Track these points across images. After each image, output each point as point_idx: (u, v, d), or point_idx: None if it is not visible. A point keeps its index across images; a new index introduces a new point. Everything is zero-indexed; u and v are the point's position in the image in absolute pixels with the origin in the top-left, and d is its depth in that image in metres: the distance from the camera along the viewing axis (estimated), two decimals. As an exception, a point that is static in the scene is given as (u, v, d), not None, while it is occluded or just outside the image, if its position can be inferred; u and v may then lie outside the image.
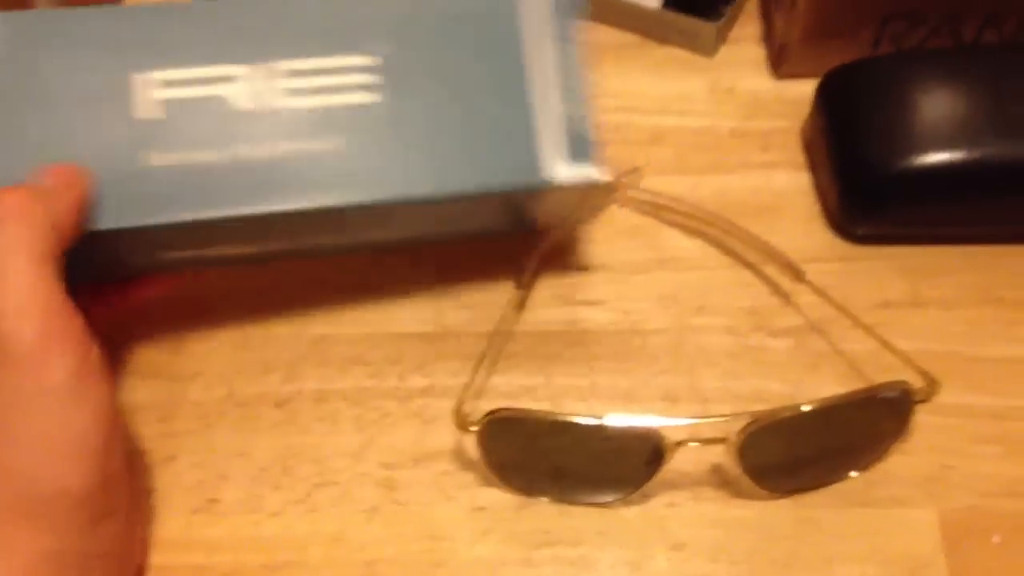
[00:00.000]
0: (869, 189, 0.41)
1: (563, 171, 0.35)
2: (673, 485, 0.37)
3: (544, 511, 0.37)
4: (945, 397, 0.38)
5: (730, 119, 0.47)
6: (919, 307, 0.41)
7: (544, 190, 0.35)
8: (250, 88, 0.34)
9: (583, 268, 0.43)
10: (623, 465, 0.36)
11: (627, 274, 0.42)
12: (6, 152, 0.33)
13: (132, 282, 0.38)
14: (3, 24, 0.33)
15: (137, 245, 0.35)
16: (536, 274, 0.42)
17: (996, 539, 0.36)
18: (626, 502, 0.37)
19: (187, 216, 0.33)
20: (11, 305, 0.29)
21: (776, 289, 0.42)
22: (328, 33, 0.35)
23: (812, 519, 0.37)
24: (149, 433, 0.39)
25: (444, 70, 0.35)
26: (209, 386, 0.40)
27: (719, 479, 0.37)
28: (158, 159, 0.33)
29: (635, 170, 0.43)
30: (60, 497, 0.30)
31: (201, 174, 0.33)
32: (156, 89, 0.33)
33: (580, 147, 0.35)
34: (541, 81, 0.35)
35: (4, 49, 0.33)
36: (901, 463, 0.37)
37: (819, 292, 0.39)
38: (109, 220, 0.33)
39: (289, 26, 0.34)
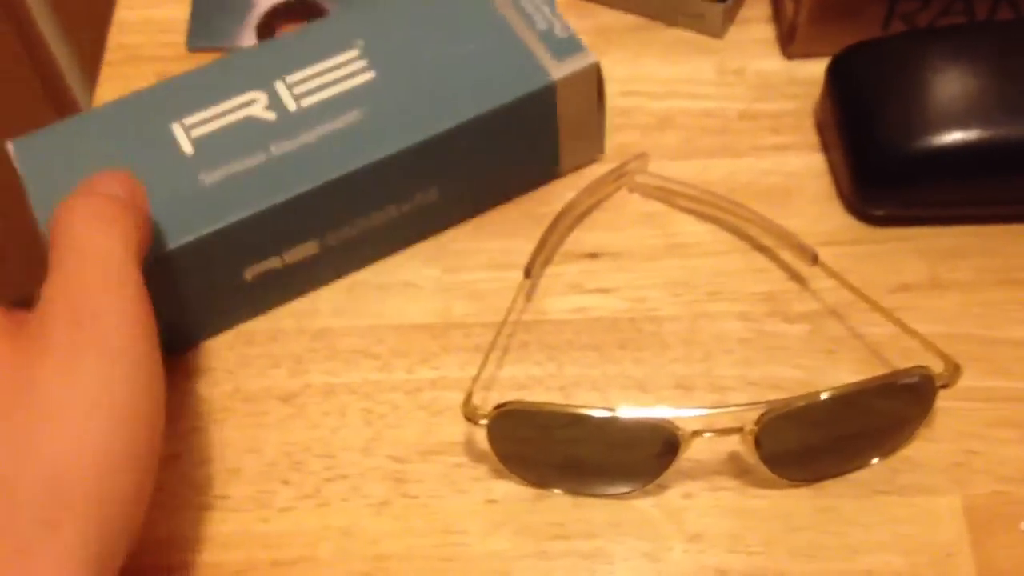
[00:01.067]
0: (884, 170, 0.40)
1: (560, 68, 0.40)
2: (689, 476, 0.36)
3: (558, 503, 0.36)
4: (966, 381, 0.37)
5: (739, 101, 0.46)
6: (938, 290, 0.40)
7: (552, 93, 0.40)
8: (268, 103, 0.39)
9: (593, 256, 0.42)
10: (637, 456, 0.35)
11: (638, 261, 0.41)
12: None
13: None
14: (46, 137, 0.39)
15: (205, 264, 0.37)
16: (545, 263, 0.42)
17: (1023, 525, 0.35)
18: (641, 493, 0.36)
19: (244, 212, 0.37)
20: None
21: (791, 274, 0.41)
22: (315, 45, 0.41)
23: (832, 508, 0.36)
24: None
25: (424, 31, 0.41)
26: (215, 382, 0.39)
27: (736, 468, 0.36)
28: (208, 177, 0.38)
29: (642, 155, 0.42)
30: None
31: (247, 176, 0.38)
32: (193, 129, 0.39)
33: (566, 47, 0.40)
34: (510, 12, 0.41)
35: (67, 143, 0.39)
36: (923, 449, 0.37)
37: (834, 275, 0.39)
38: (176, 238, 0.36)
39: (284, 53, 0.41)
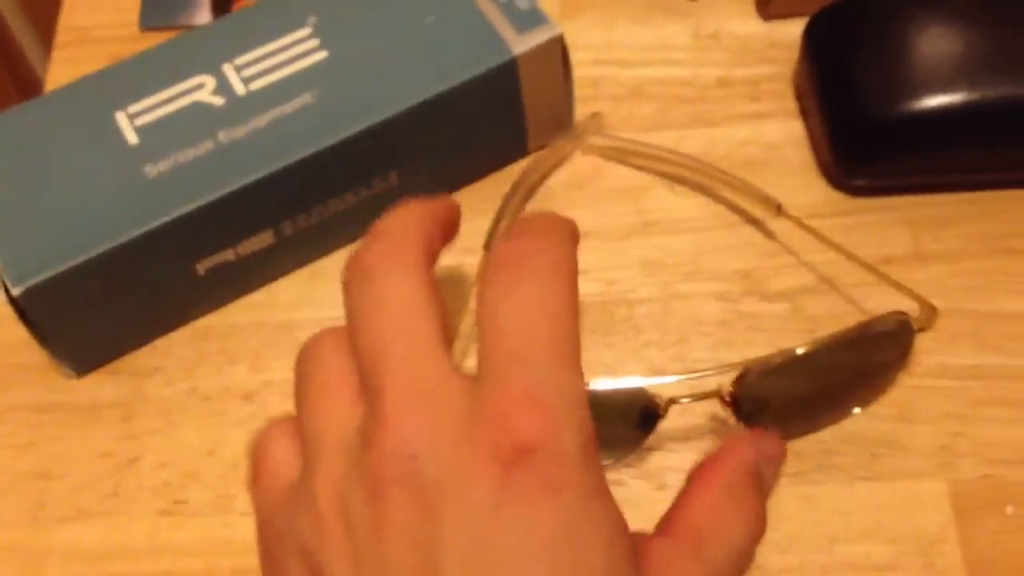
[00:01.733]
0: (864, 137, 0.38)
1: (522, 42, 0.38)
2: (669, 448, 0.35)
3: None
4: (952, 358, 0.36)
5: (716, 67, 0.44)
6: (923, 260, 0.38)
7: (514, 68, 0.38)
8: (217, 87, 0.38)
9: (562, 236, 0.40)
10: (615, 430, 0.34)
11: (609, 240, 0.40)
12: (24, 204, 0.36)
13: None
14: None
15: (154, 260, 0.36)
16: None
17: (1010, 510, 0.34)
18: (623, 464, 0.35)
19: (191, 204, 0.35)
20: None
21: (769, 249, 0.39)
22: (266, 23, 0.39)
23: (812, 496, 0.34)
24: (112, 434, 0.37)
25: (380, 5, 0.39)
26: (171, 381, 0.38)
27: (716, 438, 0.35)
28: (153, 168, 0.36)
29: (595, 115, 0.41)
30: None
31: (195, 166, 0.36)
32: (138, 117, 0.37)
33: (528, 19, 0.38)
34: None
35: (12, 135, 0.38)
36: (907, 432, 0.35)
37: (802, 225, 0.37)
38: (122, 234, 0.35)
39: (233, 32, 0.39)
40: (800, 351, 0.32)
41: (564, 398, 0.21)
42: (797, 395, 0.34)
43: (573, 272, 0.24)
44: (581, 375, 0.22)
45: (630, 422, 0.33)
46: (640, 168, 0.41)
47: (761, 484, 0.26)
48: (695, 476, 0.26)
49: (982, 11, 0.38)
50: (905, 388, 0.36)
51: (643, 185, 0.41)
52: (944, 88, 0.37)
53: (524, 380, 0.21)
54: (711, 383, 0.32)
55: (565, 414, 0.21)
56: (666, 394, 0.32)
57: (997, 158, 0.38)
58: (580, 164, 0.42)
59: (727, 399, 0.32)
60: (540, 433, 0.21)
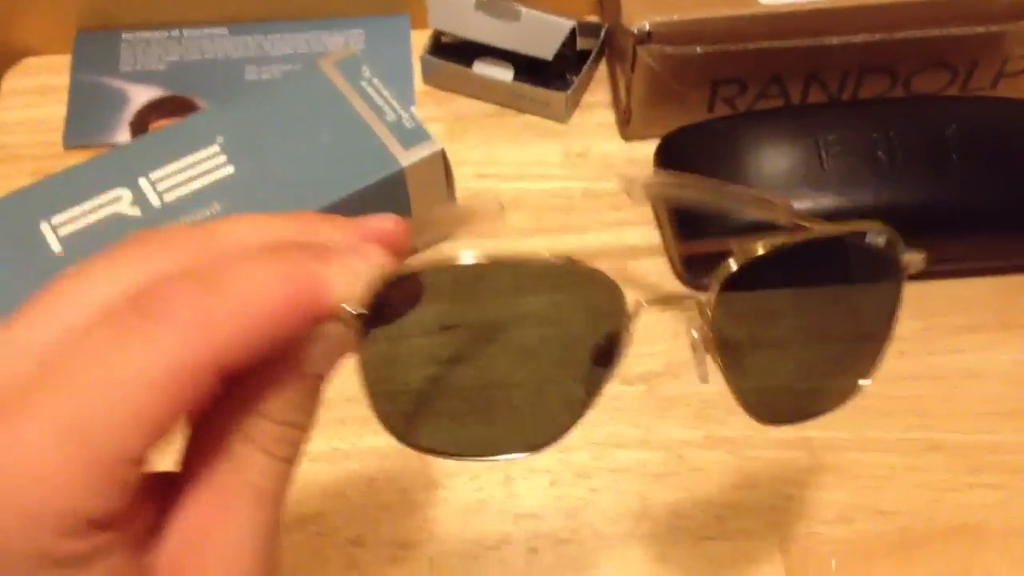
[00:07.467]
0: (705, 243, 0.44)
1: (408, 156, 0.43)
2: (534, 533, 0.39)
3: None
4: (783, 433, 0.41)
5: (583, 181, 0.50)
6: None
7: (401, 178, 0.43)
8: (134, 199, 0.42)
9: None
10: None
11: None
12: None
13: None
14: None
15: None
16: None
17: (834, 564, 0.39)
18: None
19: None
20: None
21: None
22: (178, 142, 0.44)
23: (666, 556, 0.39)
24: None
25: (281, 125, 0.44)
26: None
27: (573, 519, 0.39)
28: None
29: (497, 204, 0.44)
30: None
31: None
32: (61, 227, 0.41)
33: (413, 136, 0.44)
34: (362, 106, 0.45)
35: None
36: (747, 497, 0.40)
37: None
38: None
39: (149, 150, 0.44)
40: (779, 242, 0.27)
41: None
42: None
43: (219, 341, 0.19)
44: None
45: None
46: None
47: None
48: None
49: (809, 134, 0.44)
50: (744, 459, 0.41)
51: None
52: (772, 200, 0.43)
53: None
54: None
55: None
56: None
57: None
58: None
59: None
60: None
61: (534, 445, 0.26)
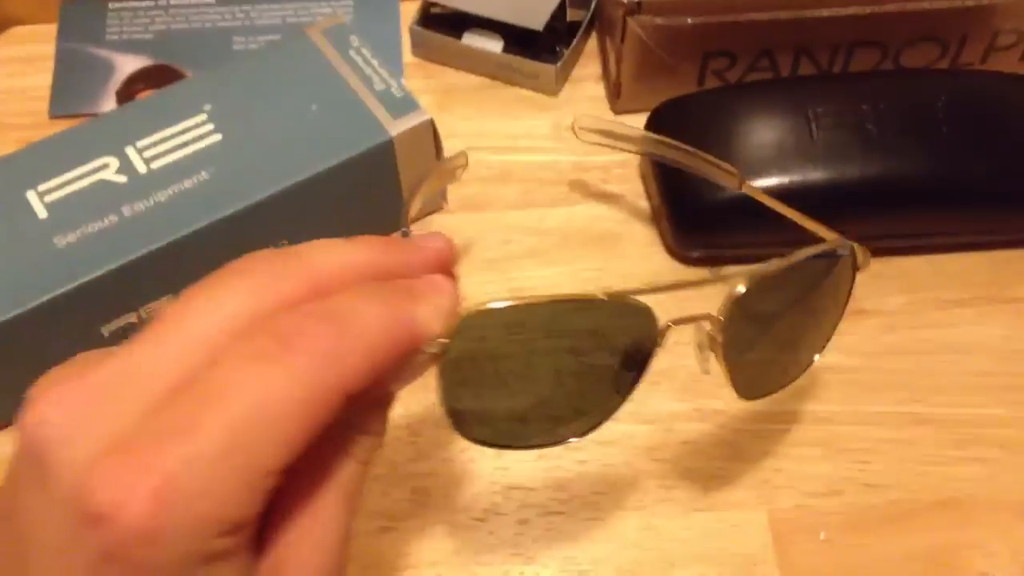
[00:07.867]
0: (696, 217, 0.44)
1: (397, 125, 0.43)
2: (524, 503, 0.39)
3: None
4: (770, 406, 0.41)
5: (572, 154, 0.49)
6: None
7: (390, 148, 0.43)
8: (120, 167, 0.42)
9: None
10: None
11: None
12: None
13: None
14: None
15: (61, 323, 0.39)
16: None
17: (822, 535, 0.39)
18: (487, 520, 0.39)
19: (97, 271, 0.39)
20: None
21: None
22: (165, 110, 0.43)
23: (654, 527, 0.39)
24: None
25: (269, 94, 0.44)
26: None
27: (565, 494, 0.40)
28: (62, 240, 0.40)
29: (462, 153, 0.43)
30: None
31: (100, 237, 0.40)
32: (48, 194, 0.41)
33: (402, 105, 0.43)
34: (350, 74, 0.44)
35: None
36: (734, 469, 0.40)
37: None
38: (30, 299, 0.38)
39: (136, 118, 0.43)
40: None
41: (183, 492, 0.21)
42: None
43: (344, 374, 0.23)
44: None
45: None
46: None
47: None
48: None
49: (798, 106, 0.44)
50: (732, 431, 0.41)
51: (511, 256, 0.46)
52: (764, 172, 0.43)
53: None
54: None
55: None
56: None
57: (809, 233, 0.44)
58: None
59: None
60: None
61: (582, 432, 0.33)
